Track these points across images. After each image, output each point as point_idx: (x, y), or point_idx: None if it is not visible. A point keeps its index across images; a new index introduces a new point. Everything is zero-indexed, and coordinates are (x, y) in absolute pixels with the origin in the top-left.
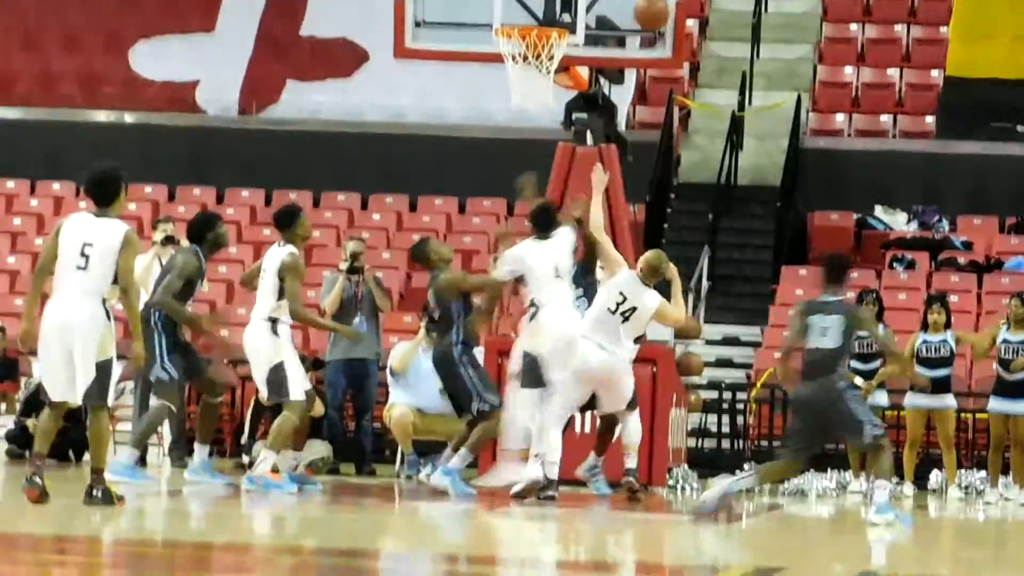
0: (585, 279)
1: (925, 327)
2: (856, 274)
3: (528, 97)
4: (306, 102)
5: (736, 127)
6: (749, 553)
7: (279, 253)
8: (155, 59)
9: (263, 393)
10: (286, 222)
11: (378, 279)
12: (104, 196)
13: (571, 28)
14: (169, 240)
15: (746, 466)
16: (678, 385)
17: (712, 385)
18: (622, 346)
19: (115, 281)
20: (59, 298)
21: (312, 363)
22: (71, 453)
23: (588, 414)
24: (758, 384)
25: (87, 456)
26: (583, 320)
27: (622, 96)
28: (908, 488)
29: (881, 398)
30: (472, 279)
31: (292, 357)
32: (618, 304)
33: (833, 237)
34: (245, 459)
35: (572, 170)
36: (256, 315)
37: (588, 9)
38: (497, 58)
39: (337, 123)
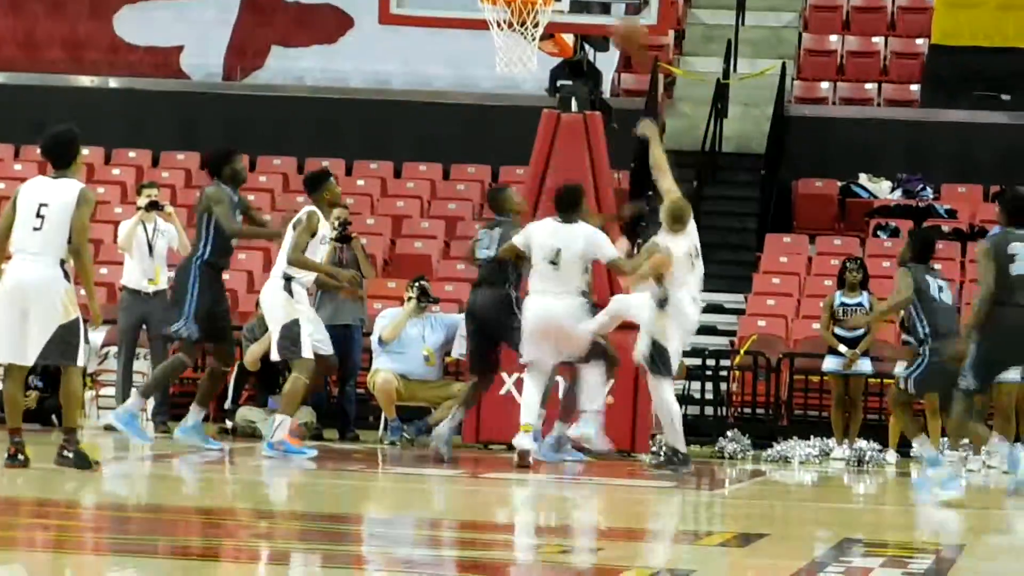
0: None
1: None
2: (839, 241)
3: (513, 64)
4: (291, 68)
5: (721, 94)
6: (731, 520)
7: (300, 212)
8: (140, 24)
9: (274, 352)
10: (313, 185)
11: (363, 246)
12: (61, 157)
13: None
14: (153, 205)
15: (729, 433)
16: None
17: (695, 352)
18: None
19: (70, 240)
20: (16, 260)
21: None
22: (53, 417)
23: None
24: (741, 351)
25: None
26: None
27: (607, 63)
28: (891, 456)
29: (865, 366)
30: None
31: (306, 316)
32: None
33: (817, 205)
34: (228, 424)
35: (557, 137)
36: (273, 273)
37: None
38: (482, 24)
39: (322, 89)
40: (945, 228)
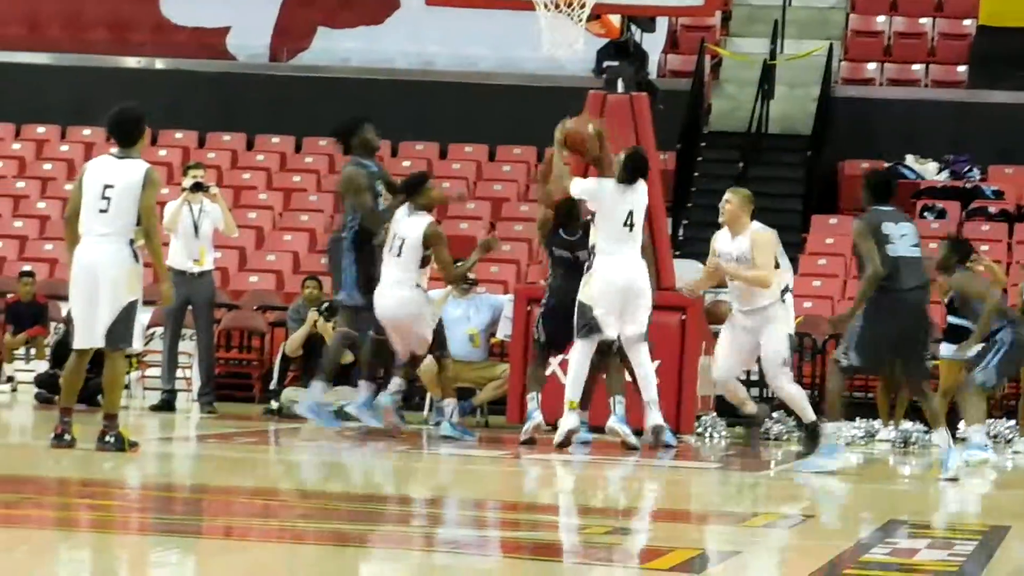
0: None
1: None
2: None
3: (559, 45)
4: (336, 49)
5: (767, 75)
6: (777, 501)
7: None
8: (186, 5)
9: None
10: (412, 189)
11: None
12: (126, 136)
13: None
14: (198, 187)
15: (774, 414)
16: (706, 333)
17: None
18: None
19: (139, 222)
20: (85, 242)
21: (327, 309)
22: (100, 398)
23: None
24: None
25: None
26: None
27: (653, 44)
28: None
29: None
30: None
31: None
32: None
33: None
34: (274, 405)
35: (603, 118)
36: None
37: None
38: (528, 6)
39: (367, 70)
40: (992, 209)
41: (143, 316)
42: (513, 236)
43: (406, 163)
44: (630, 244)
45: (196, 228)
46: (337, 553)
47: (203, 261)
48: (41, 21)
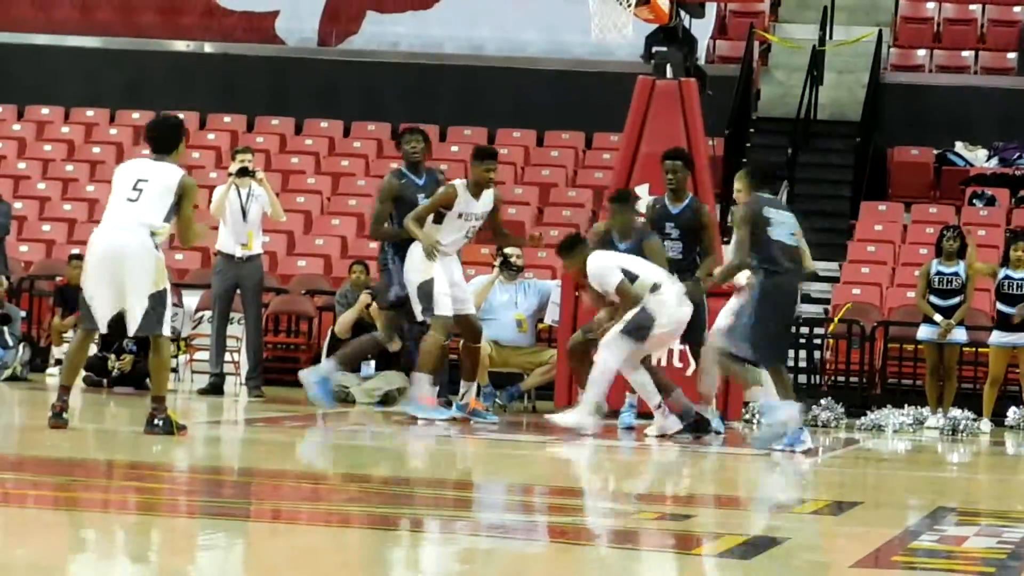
0: None
1: (1006, 262)
2: (935, 210)
3: (608, 30)
4: (385, 33)
5: (816, 61)
6: (825, 488)
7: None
8: None
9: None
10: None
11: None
12: (165, 142)
13: None
14: (244, 172)
15: (823, 401)
16: None
17: None
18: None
19: (166, 220)
20: (107, 227)
21: (371, 296)
22: (148, 381)
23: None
24: (836, 319)
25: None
26: None
27: (702, 29)
28: (986, 424)
29: (960, 335)
30: None
31: (442, 276)
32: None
33: (913, 173)
34: None
35: (651, 103)
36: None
37: None
38: None
39: (416, 55)
40: None
41: (191, 300)
42: (561, 222)
43: (454, 148)
44: None
45: (244, 213)
46: (385, 537)
47: (251, 245)
48: (92, 5)
